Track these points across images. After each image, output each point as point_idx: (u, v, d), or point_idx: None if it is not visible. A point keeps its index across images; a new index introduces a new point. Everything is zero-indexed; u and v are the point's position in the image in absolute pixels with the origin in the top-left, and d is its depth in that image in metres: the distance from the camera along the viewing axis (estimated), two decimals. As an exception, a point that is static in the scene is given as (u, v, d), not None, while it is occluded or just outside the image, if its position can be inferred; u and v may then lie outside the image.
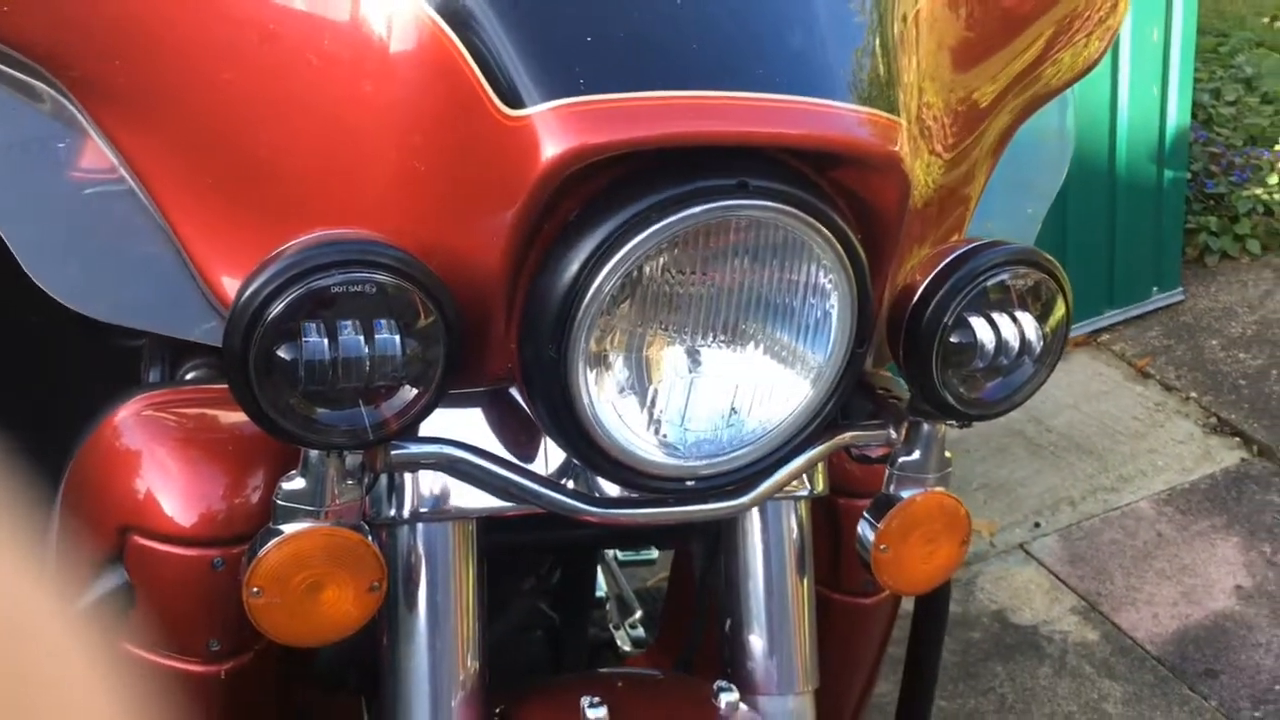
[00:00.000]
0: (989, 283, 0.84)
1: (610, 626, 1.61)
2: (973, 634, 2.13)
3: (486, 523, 0.93)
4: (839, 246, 0.78)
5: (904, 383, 0.90)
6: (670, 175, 0.74)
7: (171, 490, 0.93)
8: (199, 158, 0.84)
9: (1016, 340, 0.84)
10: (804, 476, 0.96)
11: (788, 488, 0.92)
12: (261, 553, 0.80)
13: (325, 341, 0.72)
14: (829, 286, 0.79)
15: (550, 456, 0.91)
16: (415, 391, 0.75)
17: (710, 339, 0.80)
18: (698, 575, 1.09)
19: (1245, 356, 2.83)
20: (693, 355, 0.81)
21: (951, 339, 0.84)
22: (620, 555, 1.75)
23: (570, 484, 0.89)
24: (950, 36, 0.92)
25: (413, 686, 0.90)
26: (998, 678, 2.05)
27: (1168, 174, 2.94)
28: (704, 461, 0.82)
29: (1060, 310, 0.86)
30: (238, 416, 0.98)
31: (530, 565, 1.27)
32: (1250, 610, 2.17)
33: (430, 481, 0.89)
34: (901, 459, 0.93)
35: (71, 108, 0.86)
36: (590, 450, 0.79)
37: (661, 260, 0.76)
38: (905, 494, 0.92)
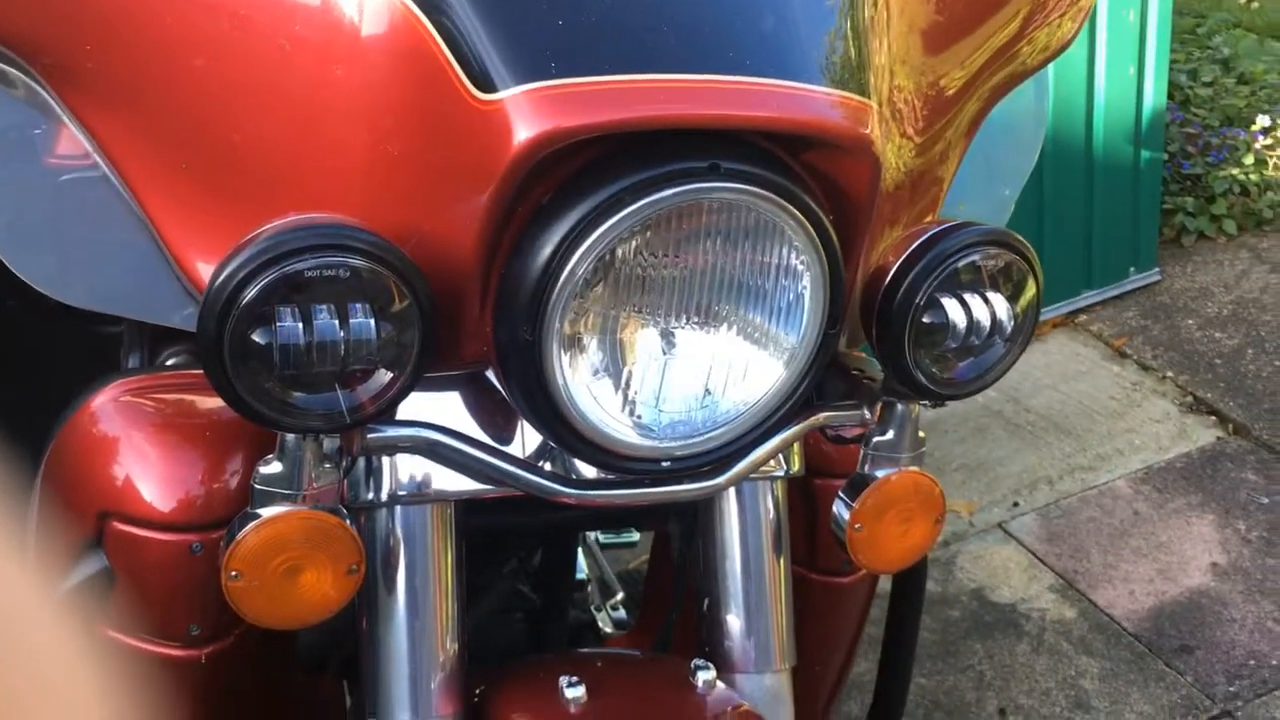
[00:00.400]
0: (960, 263, 0.84)
1: (592, 608, 1.62)
2: (952, 612, 2.15)
3: (466, 505, 0.93)
4: (811, 228, 0.79)
5: (877, 363, 0.90)
6: (642, 158, 0.74)
7: (150, 475, 0.94)
8: (172, 143, 0.84)
9: (988, 320, 0.85)
10: (780, 457, 0.97)
11: (763, 468, 0.93)
12: (240, 536, 0.80)
13: (300, 326, 0.72)
14: (801, 268, 0.80)
15: (527, 439, 0.92)
16: (391, 375, 0.76)
17: (684, 321, 0.81)
18: (676, 556, 1.10)
19: (1221, 336, 2.86)
20: (666, 337, 0.81)
21: (923, 319, 0.84)
22: (601, 538, 1.76)
23: (547, 466, 0.90)
24: (921, 19, 0.92)
25: (392, 668, 0.91)
26: (976, 655, 2.07)
27: (1144, 155, 2.96)
28: (679, 443, 0.83)
29: (1031, 290, 0.87)
30: (215, 402, 0.98)
31: (511, 548, 1.28)
32: (1225, 587, 2.19)
33: (408, 464, 0.90)
34: (876, 439, 0.93)
35: (45, 94, 0.86)
36: (566, 432, 0.80)
37: (634, 243, 0.77)
38: (880, 473, 0.93)
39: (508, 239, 0.76)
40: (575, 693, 0.89)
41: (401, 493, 0.90)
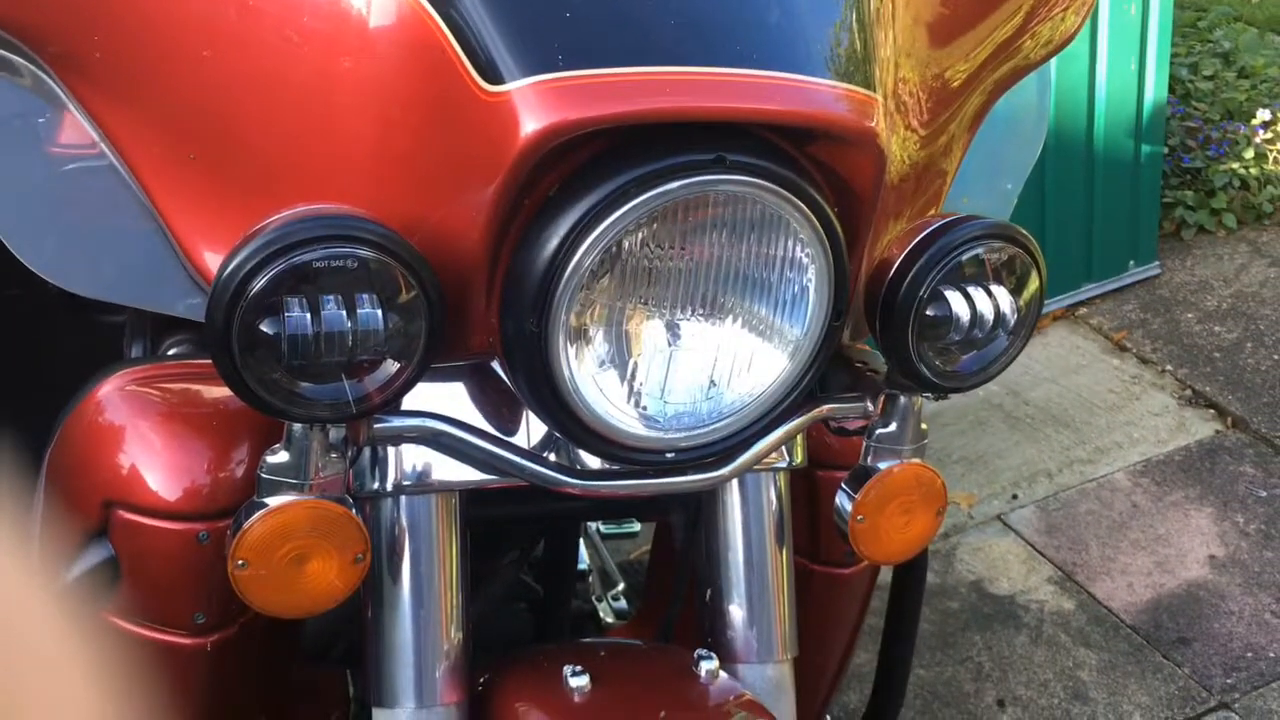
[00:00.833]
0: (964, 257, 0.85)
1: (593, 598, 1.63)
2: (951, 604, 2.16)
3: (470, 495, 0.94)
4: (816, 221, 0.79)
5: (880, 356, 0.91)
6: (649, 151, 0.75)
7: (156, 464, 0.94)
8: (179, 133, 0.84)
9: (991, 313, 0.86)
10: (783, 449, 0.97)
11: (766, 460, 0.94)
12: (246, 525, 0.81)
13: (308, 316, 0.72)
14: (806, 261, 0.80)
15: (532, 429, 0.92)
16: (398, 365, 0.76)
17: (689, 313, 0.81)
18: (678, 546, 1.11)
19: (1220, 330, 2.86)
20: (672, 329, 0.82)
21: (927, 312, 0.85)
22: (603, 528, 1.76)
23: (552, 456, 0.90)
24: (926, 12, 0.92)
25: (397, 657, 0.91)
26: (975, 647, 2.08)
27: (1145, 149, 2.96)
28: (683, 434, 0.83)
29: (1034, 284, 0.88)
30: (221, 391, 0.99)
31: (514, 538, 1.28)
32: (1223, 579, 2.20)
33: (413, 455, 0.90)
34: (878, 431, 0.94)
35: (51, 83, 0.86)
36: (571, 423, 0.80)
37: (641, 235, 0.77)
38: (882, 465, 0.94)
39: (514, 230, 0.76)
40: (579, 681, 0.89)
41: (406, 483, 0.90)
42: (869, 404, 0.94)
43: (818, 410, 0.92)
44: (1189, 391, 2.69)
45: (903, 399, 0.93)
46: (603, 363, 0.80)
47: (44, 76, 0.86)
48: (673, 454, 0.84)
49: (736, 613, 1.00)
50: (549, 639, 1.34)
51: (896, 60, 0.88)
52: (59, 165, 0.89)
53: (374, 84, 0.77)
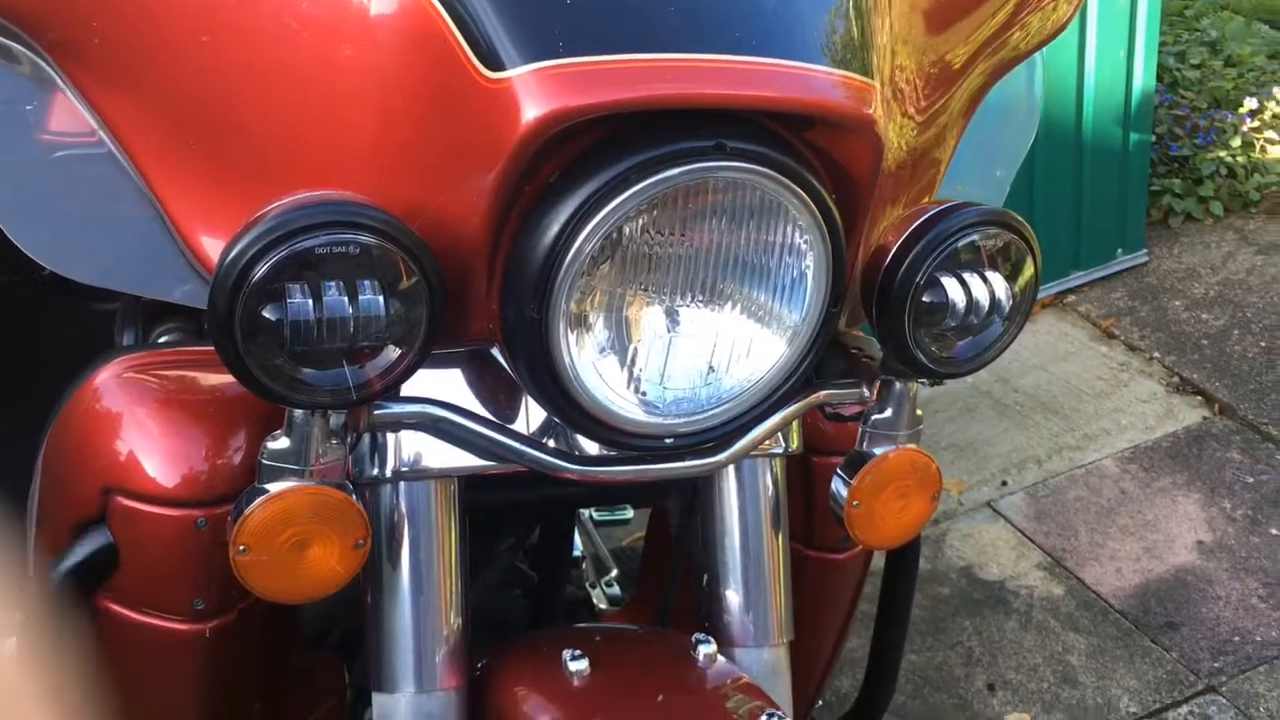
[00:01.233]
0: (960, 243, 0.85)
1: (586, 585, 1.64)
2: (942, 590, 2.18)
3: (468, 482, 0.94)
4: (814, 207, 0.79)
5: (877, 342, 0.91)
6: (649, 137, 0.75)
7: (154, 451, 0.94)
8: (178, 120, 0.84)
9: (987, 299, 0.86)
10: (779, 434, 0.98)
11: (763, 445, 0.94)
12: (248, 511, 0.81)
13: (310, 302, 0.73)
14: (804, 247, 0.81)
15: (531, 415, 0.93)
16: (399, 351, 0.76)
17: (689, 299, 0.82)
18: (674, 532, 1.11)
19: (1208, 317, 2.88)
20: (672, 315, 0.82)
21: (923, 298, 0.85)
22: (596, 515, 1.77)
23: (550, 442, 0.91)
24: None
25: (397, 642, 0.91)
26: (965, 632, 2.09)
27: (1133, 137, 2.97)
28: (683, 419, 0.84)
29: (1029, 270, 0.88)
30: (218, 378, 0.99)
31: (511, 525, 1.29)
32: (1210, 564, 2.22)
33: (412, 441, 0.91)
34: (874, 417, 0.95)
35: (49, 70, 0.86)
36: (571, 409, 0.81)
37: (641, 221, 0.77)
38: (878, 451, 0.94)
39: (515, 217, 0.77)
40: (579, 666, 0.90)
41: (405, 469, 0.91)
42: (865, 390, 0.94)
43: (814, 396, 0.92)
44: (1176, 378, 2.70)
45: (898, 385, 0.93)
46: (603, 349, 0.81)
47: (42, 64, 0.86)
48: (672, 439, 0.84)
49: (733, 597, 1.00)
50: (544, 625, 1.35)
51: (893, 47, 0.88)
52: (57, 152, 0.89)
53: (374, 71, 0.77)
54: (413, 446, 0.90)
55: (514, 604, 1.36)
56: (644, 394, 0.83)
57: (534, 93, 0.72)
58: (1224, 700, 1.96)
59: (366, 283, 0.74)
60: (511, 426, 0.90)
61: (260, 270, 0.72)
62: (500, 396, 0.92)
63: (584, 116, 0.73)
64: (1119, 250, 3.05)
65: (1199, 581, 2.18)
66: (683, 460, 0.87)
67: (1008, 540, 2.28)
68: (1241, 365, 2.72)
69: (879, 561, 1.30)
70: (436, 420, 0.86)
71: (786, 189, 0.78)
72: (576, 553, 1.63)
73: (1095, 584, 2.18)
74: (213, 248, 0.84)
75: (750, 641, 1.00)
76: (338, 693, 1.19)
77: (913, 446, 0.95)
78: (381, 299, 0.74)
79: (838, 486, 0.96)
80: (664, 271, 0.80)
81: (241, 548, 0.82)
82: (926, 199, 0.98)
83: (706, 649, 0.94)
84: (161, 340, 1.21)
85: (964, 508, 2.36)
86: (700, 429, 0.85)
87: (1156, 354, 2.77)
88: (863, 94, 0.79)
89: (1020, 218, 0.89)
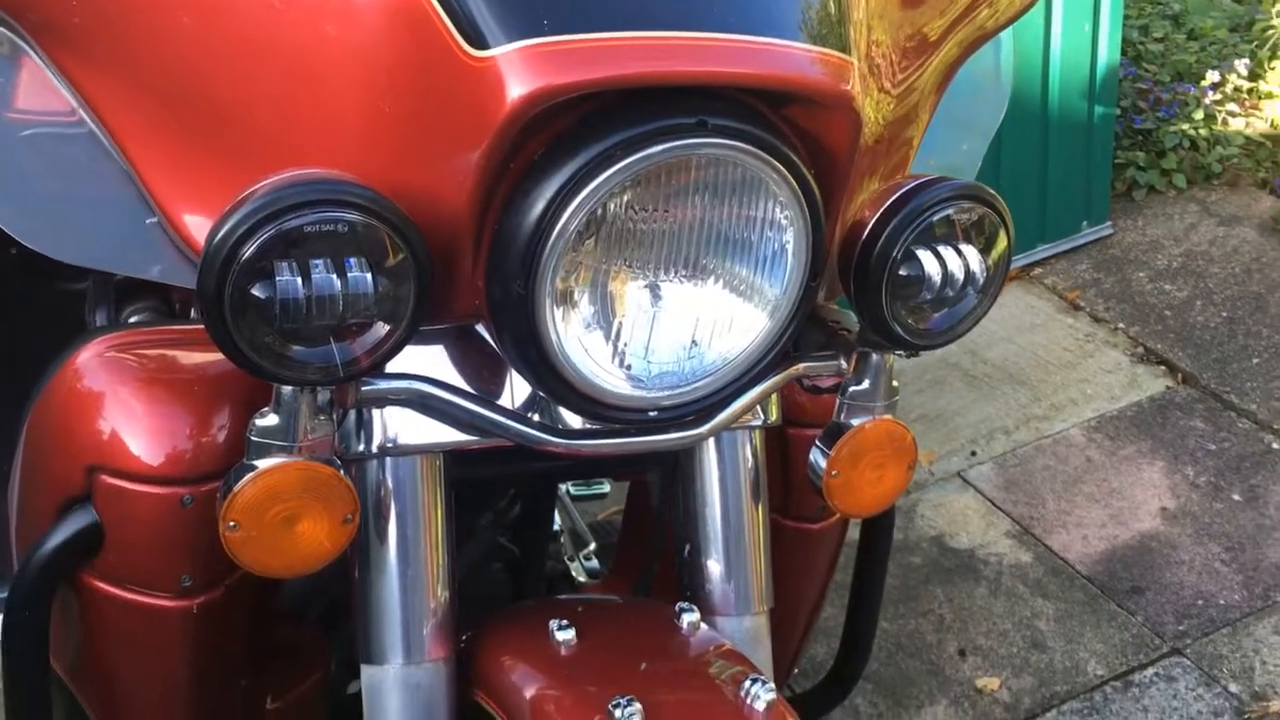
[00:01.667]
0: (935, 217, 0.87)
1: (565, 559, 1.65)
2: (913, 559, 2.21)
3: (453, 456, 0.95)
4: (794, 183, 0.81)
5: (853, 315, 0.93)
6: (632, 115, 0.76)
7: (139, 430, 0.95)
8: (161, 100, 0.84)
9: (961, 272, 0.88)
10: (758, 407, 0.99)
11: (743, 418, 0.96)
12: (237, 487, 0.82)
13: (299, 280, 0.73)
14: (785, 222, 0.82)
15: (515, 390, 0.94)
16: (387, 328, 0.77)
17: (672, 274, 0.83)
18: (655, 504, 1.13)
19: (1171, 288, 2.92)
20: (655, 290, 0.83)
21: (900, 272, 0.87)
22: (573, 490, 1.78)
23: (535, 416, 0.92)
24: (897, -25, 0.94)
25: (385, 614, 0.93)
26: (936, 599, 2.13)
27: (1098, 110, 3.00)
28: (666, 392, 0.85)
29: (1002, 243, 0.90)
30: (200, 356, 0.99)
31: (489, 500, 1.30)
32: (1174, 530, 2.26)
33: (397, 417, 0.92)
34: (852, 388, 0.96)
35: (30, 51, 0.86)
36: (557, 384, 0.82)
37: (625, 198, 0.78)
38: (855, 421, 0.96)
39: (501, 194, 0.77)
40: (566, 635, 0.92)
41: (391, 444, 0.92)
42: (842, 362, 0.96)
43: (793, 368, 0.94)
44: (1140, 349, 2.75)
45: (875, 357, 0.95)
46: (588, 324, 0.82)
47: (23, 45, 0.85)
48: (656, 412, 0.86)
49: (714, 567, 1.02)
50: (526, 598, 1.36)
51: (869, 23, 0.89)
52: (35, 130, 0.89)
53: (359, 50, 0.77)
54: (399, 422, 0.91)
55: (497, 578, 1.37)
56: (629, 368, 0.84)
57: (518, 71, 0.73)
58: (1189, 662, 2.00)
59: (354, 260, 0.74)
60: (497, 401, 0.91)
61: (249, 249, 0.72)
62: (485, 372, 0.93)
63: (568, 95, 0.74)
64: (1084, 223, 3.08)
65: (1163, 547, 2.23)
66: (666, 433, 0.89)
67: (977, 509, 2.32)
68: (1204, 335, 2.76)
69: (854, 533, 1.32)
70: (423, 396, 0.86)
71: (767, 165, 0.79)
72: (555, 527, 1.64)
73: (1062, 551, 2.22)
74: (198, 227, 0.84)
75: (731, 610, 1.02)
76: (322, 666, 1.20)
77: (889, 417, 0.97)
78: (369, 276, 0.75)
79: (816, 457, 0.98)
80: (647, 247, 0.81)
81: (231, 524, 0.82)
82: (901, 174, 1.00)
83: (690, 617, 0.96)
84: (134, 319, 1.21)
85: (935, 478, 2.39)
86: (683, 402, 0.86)
87: (1121, 325, 2.81)
88: (841, 70, 0.80)
89: (993, 191, 0.90)
